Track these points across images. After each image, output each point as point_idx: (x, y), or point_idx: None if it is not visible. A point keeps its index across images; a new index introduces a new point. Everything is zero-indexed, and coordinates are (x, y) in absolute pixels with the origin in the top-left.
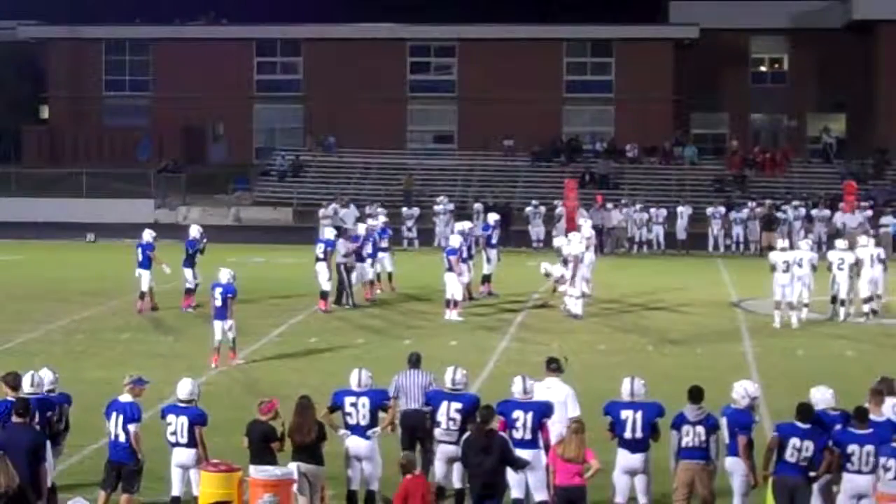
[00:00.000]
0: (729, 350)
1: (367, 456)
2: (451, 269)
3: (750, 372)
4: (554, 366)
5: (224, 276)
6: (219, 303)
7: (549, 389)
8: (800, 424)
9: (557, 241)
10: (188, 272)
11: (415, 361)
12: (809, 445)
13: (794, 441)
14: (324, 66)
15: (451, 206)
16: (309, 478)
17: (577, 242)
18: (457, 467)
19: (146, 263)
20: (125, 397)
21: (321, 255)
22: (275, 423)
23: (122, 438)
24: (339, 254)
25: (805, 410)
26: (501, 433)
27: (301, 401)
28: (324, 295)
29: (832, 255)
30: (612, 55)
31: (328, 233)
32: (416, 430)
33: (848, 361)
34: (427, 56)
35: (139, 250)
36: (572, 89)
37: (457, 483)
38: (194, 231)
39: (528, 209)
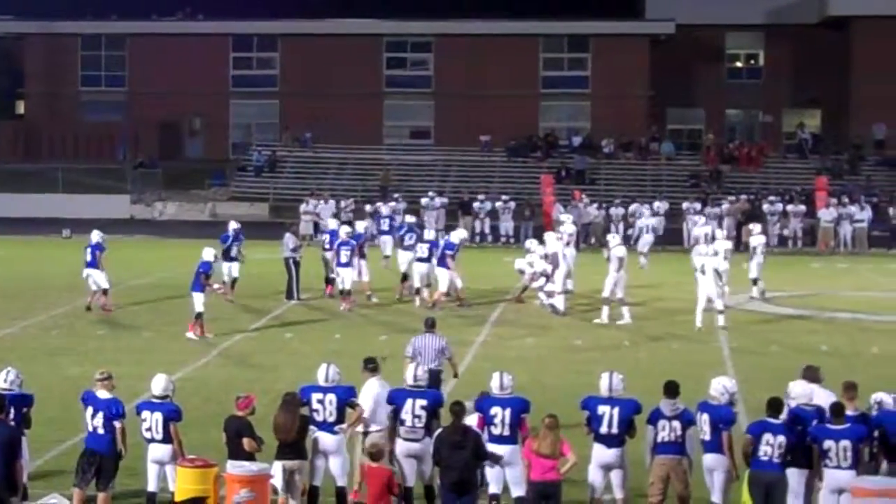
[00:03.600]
0: (705, 345)
1: (334, 451)
2: (443, 263)
3: (726, 367)
4: (371, 365)
5: (207, 254)
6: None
7: (385, 388)
8: (771, 420)
9: (529, 243)
10: (225, 266)
11: (430, 325)
12: (782, 441)
13: (768, 437)
14: (300, 61)
15: (437, 202)
16: (293, 473)
17: (553, 241)
18: (413, 464)
19: (94, 263)
20: (103, 393)
21: (326, 246)
22: (251, 420)
23: (101, 431)
24: (286, 248)
25: (776, 405)
26: (475, 429)
27: (286, 398)
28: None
29: (754, 240)
30: (589, 51)
31: (333, 224)
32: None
33: (822, 356)
34: (403, 52)
35: (87, 250)
36: (549, 85)
37: (410, 482)
38: (233, 225)
39: (498, 204)
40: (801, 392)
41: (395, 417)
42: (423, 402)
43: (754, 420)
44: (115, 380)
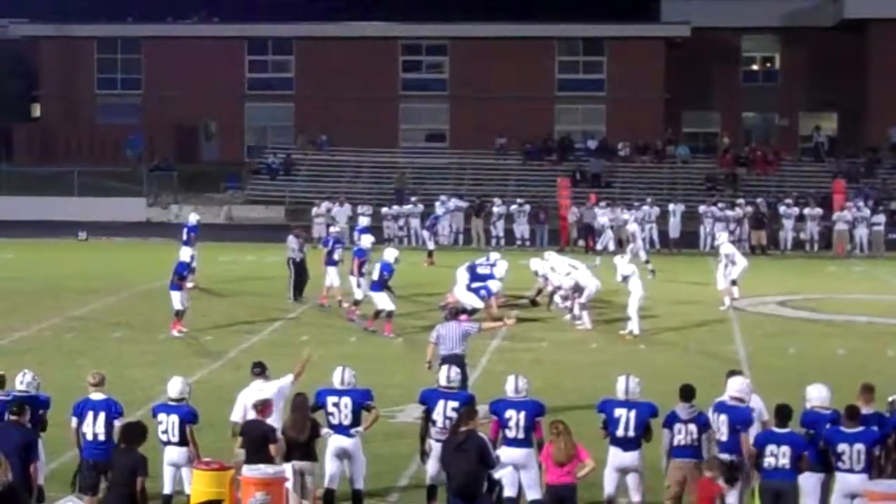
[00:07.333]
0: (721, 349)
1: (351, 454)
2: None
3: (742, 371)
4: (257, 370)
5: (184, 254)
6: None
7: (262, 392)
8: (776, 430)
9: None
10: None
11: (453, 314)
12: (787, 450)
13: (771, 448)
14: (315, 64)
15: (452, 205)
16: (303, 475)
17: (562, 271)
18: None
19: (188, 242)
20: (97, 395)
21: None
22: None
23: (101, 437)
24: (290, 249)
25: (782, 415)
26: (480, 434)
27: (296, 399)
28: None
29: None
30: (604, 54)
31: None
32: None
33: (839, 359)
34: (419, 54)
35: (184, 231)
36: (564, 88)
37: (436, 480)
38: (366, 242)
39: (513, 207)
40: (817, 395)
41: (427, 418)
42: (455, 404)
43: (759, 432)
44: (131, 382)
